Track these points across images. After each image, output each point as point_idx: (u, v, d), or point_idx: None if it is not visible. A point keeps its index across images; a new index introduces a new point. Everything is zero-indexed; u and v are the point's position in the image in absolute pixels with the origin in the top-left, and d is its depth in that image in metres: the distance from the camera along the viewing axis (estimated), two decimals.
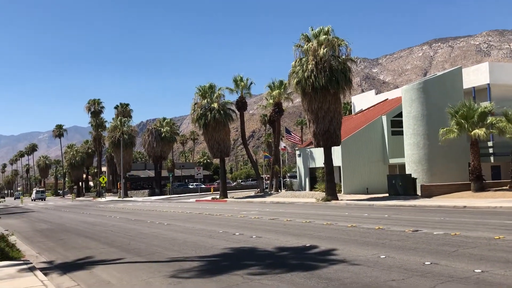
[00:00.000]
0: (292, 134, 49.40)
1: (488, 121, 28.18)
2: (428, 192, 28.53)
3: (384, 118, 37.69)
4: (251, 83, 47.58)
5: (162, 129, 68.14)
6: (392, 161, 36.65)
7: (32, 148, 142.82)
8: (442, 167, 30.67)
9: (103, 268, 10.10)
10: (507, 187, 28.06)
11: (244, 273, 8.52)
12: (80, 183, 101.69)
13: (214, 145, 44.98)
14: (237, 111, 47.58)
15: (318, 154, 38.61)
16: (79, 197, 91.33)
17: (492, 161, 32.36)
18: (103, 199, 67.16)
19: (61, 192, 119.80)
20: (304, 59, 31.25)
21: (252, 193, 50.94)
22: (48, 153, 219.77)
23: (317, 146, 32.18)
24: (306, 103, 31.56)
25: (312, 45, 30.60)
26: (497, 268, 7.84)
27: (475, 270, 7.72)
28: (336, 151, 35.41)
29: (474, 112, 27.90)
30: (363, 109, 47.28)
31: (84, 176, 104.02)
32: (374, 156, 37.50)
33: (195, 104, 45.54)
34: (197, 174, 57.47)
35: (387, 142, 37.34)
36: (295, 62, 31.81)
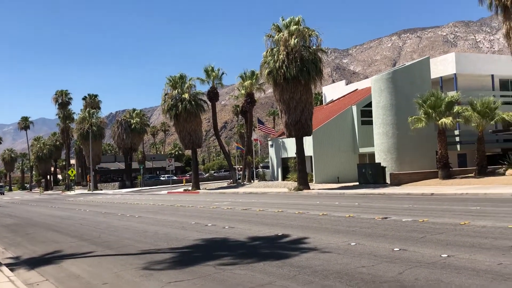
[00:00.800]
0: (265, 125, 49.51)
1: (454, 110, 28.92)
2: (397, 180, 29.14)
3: (354, 108, 38.18)
4: (223, 73, 47.44)
5: (132, 121, 67.19)
6: (362, 150, 37.23)
7: None
8: (410, 156, 31.35)
9: (72, 262, 9.91)
10: (473, 175, 28.95)
11: (217, 264, 8.51)
12: (48, 176, 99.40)
13: (185, 136, 44.66)
14: (208, 102, 47.33)
15: (290, 144, 38.86)
16: (47, 190, 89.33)
17: (458, 149, 33.29)
18: (72, 192, 65.89)
19: (28, 186, 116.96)
20: (275, 50, 31.27)
21: (224, 184, 50.94)
22: (14, 146, 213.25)
23: (289, 136, 32.37)
24: (277, 94, 31.64)
25: (283, 35, 30.62)
26: (462, 252, 8.08)
27: (442, 255, 7.93)
28: (308, 141, 35.73)
29: (442, 101, 28.56)
30: (334, 99, 47.77)
31: (52, 169, 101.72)
32: (345, 145, 38.00)
33: (166, 94, 45.06)
34: (168, 166, 57.06)
35: (357, 132, 37.88)
36: (267, 53, 31.79)
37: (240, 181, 48.17)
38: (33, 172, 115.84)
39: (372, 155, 35.30)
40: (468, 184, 25.17)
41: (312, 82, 31.07)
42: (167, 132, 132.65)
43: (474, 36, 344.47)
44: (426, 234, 10.18)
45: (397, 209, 15.96)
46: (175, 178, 69.35)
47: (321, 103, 56.05)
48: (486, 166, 28.71)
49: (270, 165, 46.51)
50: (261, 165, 65.27)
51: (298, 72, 29.79)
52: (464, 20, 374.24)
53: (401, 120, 30.93)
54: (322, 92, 55.15)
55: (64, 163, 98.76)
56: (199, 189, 43.91)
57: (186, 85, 44.98)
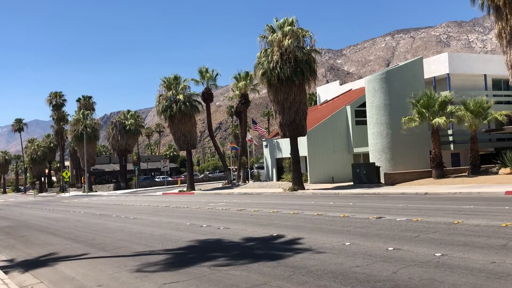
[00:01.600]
0: (258, 125, 49.55)
1: (448, 110, 29.05)
2: (392, 180, 29.24)
3: (348, 108, 38.27)
4: (217, 74, 47.40)
5: (126, 122, 66.97)
6: (356, 150, 37.33)
7: None
8: (404, 155, 31.46)
9: (67, 264, 9.88)
10: (466, 174, 29.10)
11: (212, 265, 8.52)
12: (43, 178, 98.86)
13: (180, 137, 44.59)
14: (203, 103, 47.28)
15: (285, 145, 38.90)
16: (42, 192, 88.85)
17: (452, 148, 33.45)
18: (66, 194, 65.59)
19: (22, 188, 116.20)
20: (269, 50, 31.28)
21: (219, 184, 50.90)
22: (8, 148, 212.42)
23: (284, 136, 32.39)
24: (272, 94, 31.67)
25: (277, 36, 30.65)
26: (456, 251, 8.14)
27: (436, 254, 7.98)
28: (302, 142, 35.78)
29: (435, 101, 28.70)
30: (328, 99, 47.87)
31: (47, 171, 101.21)
32: (339, 145, 38.09)
33: (160, 96, 44.96)
34: (163, 167, 56.84)
35: (351, 132, 37.97)
36: (261, 53, 31.80)
37: (235, 181, 48.15)
38: (27, 174, 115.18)
39: (366, 155, 35.40)
40: (462, 183, 25.31)
41: (306, 82, 31.11)
42: (162, 133, 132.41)
43: (467, 36, 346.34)
44: (420, 233, 10.24)
45: (391, 209, 16.03)
46: (170, 179, 69.19)
47: (315, 103, 56.14)
48: (480, 165, 28.86)
49: (265, 165, 46.54)
50: (256, 165, 65.25)
51: (292, 73, 29.83)
52: (457, 20, 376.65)
53: (395, 120, 31.05)
54: (316, 93, 55.24)
55: (58, 165, 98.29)
56: (194, 190, 43.86)
57: (180, 86, 44.92)
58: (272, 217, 15.77)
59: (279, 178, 41.97)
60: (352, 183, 32.07)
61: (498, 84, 36.73)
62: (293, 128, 31.10)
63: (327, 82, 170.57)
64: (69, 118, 77.79)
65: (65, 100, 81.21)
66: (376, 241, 9.69)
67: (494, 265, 7.02)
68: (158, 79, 46.57)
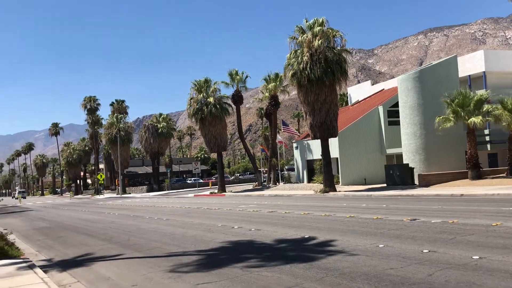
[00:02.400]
0: (289, 126, 49.40)
1: (484, 109, 28.23)
2: (426, 181, 28.62)
3: (380, 108, 37.70)
4: (247, 77, 47.51)
5: (158, 125, 68.03)
6: (389, 151, 36.71)
7: (29, 147, 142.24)
8: (439, 156, 30.74)
9: (102, 264, 10.11)
10: (504, 174, 28.18)
11: (243, 266, 8.54)
12: (78, 181, 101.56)
13: (211, 139, 44.93)
14: (233, 105, 47.52)
15: (315, 146, 38.63)
16: (77, 195, 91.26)
17: (488, 148, 32.46)
18: (101, 196, 67.12)
19: (59, 190, 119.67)
20: (299, 51, 31.17)
21: (250, 186, 51.01)
22: (45, 152, 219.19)
23: (314, 138, 32.19)
24: (302, 95, 31.52)
25: (306, 37, 30.50)
26: (494, 254, 7.88)
27: (473, 257, 7.75)
28: (333, 143, 35.46)
29: (470, 100, 27.93)
30: (360, 100, 47.29)
31: (82, 173, 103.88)
32: (371, 146, 37.55)
33: (191, 99, 45.42)
34: (194, 169, 57.45)
35: (384, 132, 37.38)
36: (290, 54, 31.72)
37: (265, 183, 48.15)
38: (64, 177, 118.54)
39: (399, 156, 34.77)
40: (500, 184, 24.52)
41: (337, 83, 30.82)
42: (193, 136, 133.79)
43: (504, 33, 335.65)
44: (456, 235, 9.97)
45: (426, 211, 15.68)
46: (201, 181, 69.84)
47: (347, 104, 55.56)
48: None
49: (295, 167, 46.34)
50: (286, 167, 65.07)
51: (322, 73, 29.61)
52: (493, 16, 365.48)
53: (429, 120, 30.37)
54: (347, 93, 54.66)
55: (93, 167, 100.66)
56: (225, 191, 44.11)
57: (211, 89, 45.29)
58: (303, 219, 15.68)
59: (309, 180, 41.72)
60: (385, 184, 31.56)
61: None
62: (324, 129, 30.85)
63: (358, 82, 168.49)
64: (103, 122, 79.64)
65: (99, 104, 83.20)
66: (410, 243, 9.49)
67: None
68: (189, 83, 47.18)
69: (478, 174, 27.78)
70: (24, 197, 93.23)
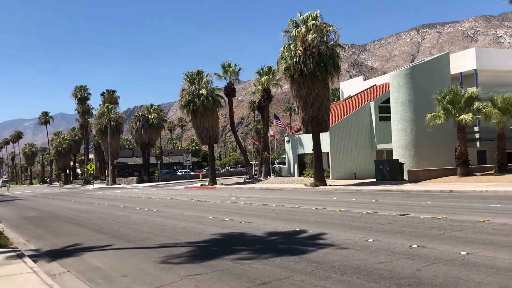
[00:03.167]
0: (281, 120, 49.47)
1: (474, 107, 28.47)
2: (415, 177, 28.87)
3: (372, 104, 37.87)
4: (240, 69, 47.42)
5: (149, 116, 67.69)
6: (380, 146, 36.93)
7: (18, 136, 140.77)
8: (429, 152, 30.99)
9: (93, 255, 10.10)
10: (493, 172, 28.50)
11: (234, 258, 8.58)
12: (67, 170, 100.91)
13: (202, 131, 44.83)
14: (225, 98, 47.40)
15: (307, 140, 38.74)
16: (67, 184, 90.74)
17: (478, 146, 32.79)
18: (91, 187, 66.83)
19: (48, 179, 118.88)
20: (292, 45, 31.15)
21: (241, 179, 51.08)
22: (34, 141, 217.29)
23: (306, 132, 32.27)
24: (294, 89, 31.54)
25: (300, 30, 30.47)
26: (482, 250, 8.00)
27: (461, 252, 7.87)
28: (325, 137, 35.59)
29: (461, 97, 28.16)
30: (351, 95, 47.44)
31: (71, 163, 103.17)
32: (362, 141, 37.75)
33: (183, 90, 45.24)
34: (185, 161, 57.32)
35: (375, 128, 37.58)
36: (284, 48, 31.68)
37: (256, 176, 48.23)
38: (53, 166, 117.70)
39: (390, 152, 34.99)
40: (488, 181, 24.81)
41: (330, 77, 30.89)
42: (184, 128, 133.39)
43: (495, 31, 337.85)
44: (444, 231, 10.10)
45: (415, 206, 15.84)
46: (192, 173, 69.71)
47: (338, 99, 55.72)
48: (507, 164, 28.23)
49: (286, 161, 46.46)
50: (277, 161, 65.22)
51: (315, 68, 29.65)
52: (485, 14, 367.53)
53: (419, 116, 30.57)
54: (339, 88, 54.78)
55: (83, 157, 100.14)
56: (216, 184, 44.13)
57: (203, 81, 45.12)
58: (294, 212, 15.77)
59: (300, 173, 41.88)
60: (374, 179, 31.79)
61: None
62: (316, 123, 30.94)
63: (350, 77, 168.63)
64: (94, 112, 79.07)
65: (89, 94, 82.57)
66: (399, 238, 9.60)
67: None
68: (180, 74, 46.94)
69: (467, 171, 28.08)
70: (5, 186, 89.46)
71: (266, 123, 48.21)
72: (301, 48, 30.08)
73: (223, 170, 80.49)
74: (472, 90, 29.48)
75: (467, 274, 6.55)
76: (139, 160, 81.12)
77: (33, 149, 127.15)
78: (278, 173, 46.61)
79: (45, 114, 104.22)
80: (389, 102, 34.20)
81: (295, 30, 30.94)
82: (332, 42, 31.18)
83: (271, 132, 49.10)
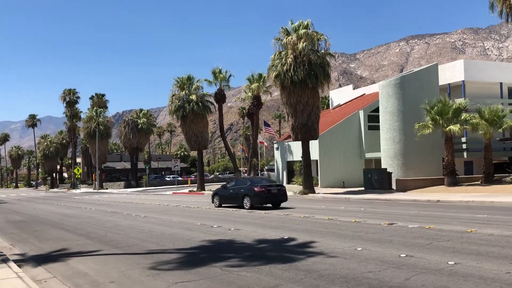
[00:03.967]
0: (270, 127, 49.56)
1: (462, 118, 28.80)
2: (403, 186, 29.05)
3: (361, 113, 38.11)
4: (230, 76, 47.53)
5: (138, 121, 67.42)
6: (368, 155, 37.14)
7: (4, 138, 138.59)
8: (417, 162, 31.24)
9: (79, 260, 9.97)
10: (479, 182, 28.81)
11: (223, 265, 8.54)
12: (54, 174, 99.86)
13: (192, 137, 44.73)
14: (215, 103, 47.40)
15: (296, 148, 38.84)
16: (53, 188, 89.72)
17: (465, 156, 33.15)
18: (77, 191, 66.15)
19: (34, 183, 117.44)
20: (283, 53, 31.28)
21: None
22: (21, 143, 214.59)
23: (295, 139, 32.35)
24: (285, 97, 31.65)
25: (291, 38, 30.63)
26: (469, 260, 8.06)
27: (449, 262, 7.92)
28: (314, 145, 35.72)
29: (449, 108, 28.47)
30: (341, 103, 47.71)
31: (58, 167, 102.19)
32: (351, 150, 37.94)
33: (173, 95, 45.16)
34: (174, 167, 57.02)
35: (364, 137, 37.81)
36: (274, 56, 31.81)
37: None
38: (40, 170, 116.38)
39: (378, 161, 35.21)
40: (475, 191, 25.05)
41: (320, 86, 31.05)
42: (173, 133, 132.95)
43: (483, 43, 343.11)
44: (432, 240, 10.16)
45: (403, 215, 15.93)
46: (180, 179, 69.41)
47: (328, 107, 55.99)
48: (493, 174, 28.57)
49: (275, 168, 46.47)
50: (266, 168, 65.27)
51: (305, 76, 29.80)
52: (473, 27, 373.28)
53: (408, 126, 30.85)
54: (329, 96, 55.08)
55: (70, 161, 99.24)
56: (204, 190, 43.96)
57: (193, 87, 45.09)
58: (283, 220, 15.75)
59: (289, 181, 41.91)
60: (363, 188, 31.92)
61: None
62: (305, 131, 31.04)
63: (340, 86, 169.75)
64: (82, 116, 78.59)
65: (78, 97, 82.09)
66: (388, 247, 9.64)
67: (509, 275, 6.95)
68: (170, 79, 46.92)
69: (454, 181, 28.34)
70: None
71: (256, 130, 48.24)
72: (291, 56, 30.22)
73: (212, 176, 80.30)
74: (460, 101, 29.84)
75: (455, 284, 6.59)
76: (127, 165, 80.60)
77: (19, 152, 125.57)
78: None
79: (32, 116, 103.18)
80: (378, 112, 34.45)
81: (286, 38, 31.09)
82: (322, 51, 31.38)
83: (260, 138, 49.15)
